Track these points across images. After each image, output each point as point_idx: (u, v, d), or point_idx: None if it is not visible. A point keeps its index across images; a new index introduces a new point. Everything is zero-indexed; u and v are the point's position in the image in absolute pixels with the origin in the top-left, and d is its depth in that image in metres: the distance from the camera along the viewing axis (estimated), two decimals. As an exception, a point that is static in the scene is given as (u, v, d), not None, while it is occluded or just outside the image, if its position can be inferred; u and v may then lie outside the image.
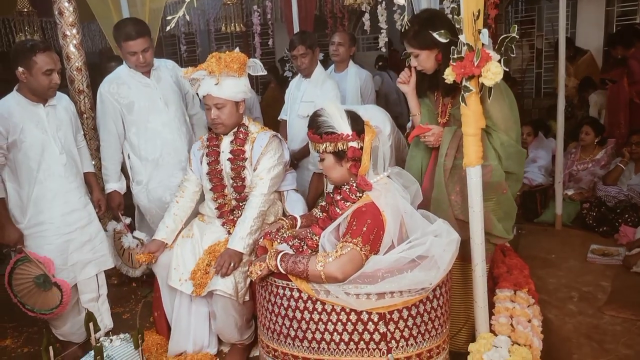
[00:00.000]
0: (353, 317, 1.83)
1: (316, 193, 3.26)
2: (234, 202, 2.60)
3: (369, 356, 1.85)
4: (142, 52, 2.81)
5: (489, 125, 2.08)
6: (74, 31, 3.14)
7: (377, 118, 2.57)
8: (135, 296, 3.35)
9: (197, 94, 2.53)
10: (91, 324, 2.15)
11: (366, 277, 1.81)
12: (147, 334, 2.68)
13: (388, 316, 1.83)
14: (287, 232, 2.24)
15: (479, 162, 1.94)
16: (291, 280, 1.91)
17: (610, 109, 5.05)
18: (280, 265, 1.92)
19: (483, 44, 1.81)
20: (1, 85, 2.79)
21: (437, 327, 1.92)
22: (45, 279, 2.39)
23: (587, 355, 2.45)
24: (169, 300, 2.62)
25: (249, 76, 2.53)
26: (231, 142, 2.55)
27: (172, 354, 2.60)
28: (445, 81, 1.93)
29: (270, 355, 2.03)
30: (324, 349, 1.88)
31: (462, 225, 2.13)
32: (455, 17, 1.83)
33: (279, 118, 3.81)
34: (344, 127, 1.97)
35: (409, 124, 2.52)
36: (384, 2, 3.42)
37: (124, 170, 3.11)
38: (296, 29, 4.40)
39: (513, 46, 1.82)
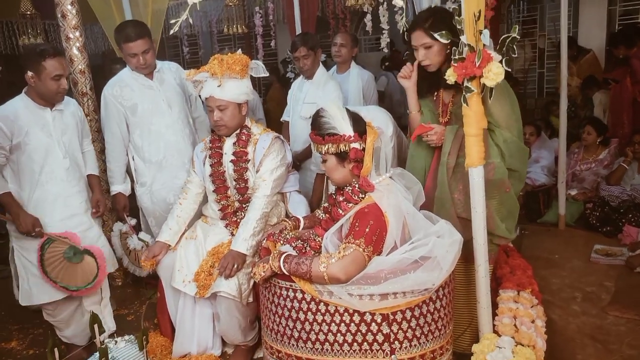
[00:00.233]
0: (356, 318, 1.83)
1: (320, 194, 3.26)
2: (237, 204, 2.60)
3: (372, 357, 1.85)
4: (142, 53, 2.82)
5: (491, 122, 2.09)
6: (77, 34, 3.16)
7: (379, 119, 2.57)
8: (140, 298, 3.36)
9: (199, 96, 2.54)
10: (96, 326, 2.16)
11: (369, 278, 1.81)
12: (151, 336, 2.68)
13: (391, 317, 1.83)
14: (290, 233, 2.25)
15: (481, 162, 1.94)
16: (294, 282, 1.91)
17: (613, 109, 5.04)
18: (284, 266, 1.92)
19: (484, 45, 1.81)
20: (6, 88, 2.81)
21: (440, 327, 1.92)
22: (74, 251, 2.41)
23: (591, 355, 2.45)
24: (173, 302, 2.62)
25: (252, 77, 2.53)
26: (234, 143, 2.56)
27: (177, 355, 2.60)
28: (447, 82, 1.94)
29: (274, 356, 2.03)
30: (327, 350, 1.88)
31: (465, 224, 2.13)
32: (456, 17, 1.84)
33: (281, 119, 3.82)
34: (346, 128, 1.97)
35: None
36: (385, 3, 3.43)
37: (129, 172, 3.13)
38: (298, 30, 4.40)
39: (514, 46, 1.82)
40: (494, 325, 2.06)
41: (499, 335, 1.96)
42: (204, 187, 2.68)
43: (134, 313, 3.20)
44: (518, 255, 2.75)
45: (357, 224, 1.90)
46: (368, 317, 1.83)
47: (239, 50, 2.52)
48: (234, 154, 2.54)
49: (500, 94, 2.04)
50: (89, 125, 3.16)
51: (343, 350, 1.86)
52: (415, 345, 1.87)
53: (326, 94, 3.32)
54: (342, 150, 1.98)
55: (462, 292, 2.32)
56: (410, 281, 1.79)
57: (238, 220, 2.56)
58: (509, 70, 1.85)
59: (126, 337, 2.21)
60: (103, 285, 2.76)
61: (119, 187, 3.05)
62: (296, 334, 1.93)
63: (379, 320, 1.83)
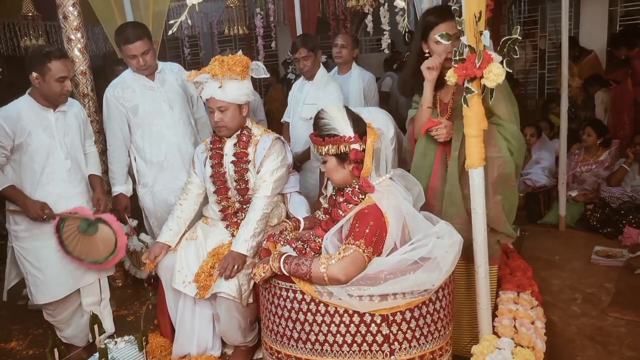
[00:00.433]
0: (356, 318, 1.84)
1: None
2: (237, 205, 2.61)
3: (372, 358, 1.85)
4: (142, 55, 2.82)
5: (498, 117, 2.12)
6: (79, 35, 3.17)
7: (380, 120, 2.57)
8: (140, 299, 3.36)
9: (200, 97, 2.54)
10: (96, 326, 2.16)
11: (369, 279, 1.81)
12: (151, 336, 2.68)
13: (391, 318, 1.83)
14: (290, 234, 2.25)
15: (481, 163, 1.94)
16: (294, 282, 1.92)
17: (614, 110, 5.04)
18: (284, 267, 1.92)
19: (485, 46, 1.81)
20: (7, 89, 2.82)
21: (440, 328, 1.92)
22: (88, 223, 2.42)
23: (591, 357, 2.45)
24: (173, 303, 2.63)
25: (252, 79, 2.54)
26: (234, 144, 2.56)
27: (176, 356, 2.60)
28: (447, 82, 1.94)
29: (274, 357, 2.03)
30: (327, 350, 1.88)
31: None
32: (457, 18, 1.84)
33: (281, 120, 3.82)
34: (346, 130, 1.97)
35: (411, 117, 2.40)
36: (386, 4, 3.44)
37: (130, 173, 3.13)
38: (299, 32, 4.41)
39: (515, 47, 1.83)
40: (493, 327, 2.06)
41: (499, 337, 1.96)
42: (204, 188, 2.68)
43: (134, 314, 3.20)
44: (518, 256, 2.75)
45: (357, 224, 1.90)
46: (368, 318, 1.83)
47: (240, 52, 2.52)
48: (234, 155, 2.55)
49: (500, 91, 2.06)
50: (90, 126, 3.17)
51: (343, 351, 1.86)
52: (414, 346, 1.87)
53: (327, 95, 3.32)
54: (342, 151, 1.98)
55: (464, 294, 2.31)
56: (410, 282, 1.79)
57: (238, 221, 2.56)
58: (510, 71, 1.85)
59: (126, 337, 2.22)
60: (103, 286, 2.76)
61: (120, 187, 3.05)
62: (296, 335, 1.93)
63: (378, 321, 1.83)
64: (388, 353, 1.85)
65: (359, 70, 3.85)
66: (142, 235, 3.07)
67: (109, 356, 2.06)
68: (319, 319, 1.88)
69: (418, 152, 2.34)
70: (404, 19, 2.48)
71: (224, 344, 2.66)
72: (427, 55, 2.21)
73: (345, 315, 1.84)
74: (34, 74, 2.41)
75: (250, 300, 2.45)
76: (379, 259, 1.87)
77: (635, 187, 4.10)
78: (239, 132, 2.56)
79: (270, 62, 7.87)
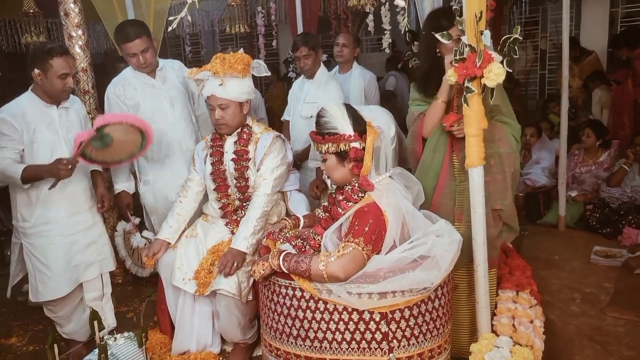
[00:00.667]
0: (355, 316, 1.84)
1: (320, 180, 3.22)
2: (237, 202, 2.61)
3: (370, 355, 1.86)
4: (142, 52, 2.82)
5: (501, 115, 2.16)
6: (80, 32, 3.17)
7: (381, 119, 2.57)
8: (139, 295, 3.37)
9: (201, 94, 2.55)
10: (95, 323, 2.17)
11: (368, 277, 1.82)
12: (151, 333, 2.69)
13: (390, 316, 1.84)
14: (290, 232, 2.26)
15: (481, 162, 1.95)
16: (294, 280, 1.92)
17: (614, 110, 5.05)
18: (283, 264, 1.93)
19: (485, 45, 1.82)
20: (7, 86, 2.82)
21: (438, 326, 1.93)
22: (97, 139, 2.33)
23: (590, 356, 2.45)
24: (173, 300, 2.63)
25: (253, 77, 2.54)
26: (235, 142, 2.57)
27: (176, 352, 2.61)
28: (448, 82, 1.95)
29: (273, 354, 2.04)
30: (326, 348, 1.89)
31: (495, 216, 2.20)
32: (458, 18, 1.84)
33: (282, 119, 3.82)
34: (346, 128, 1.98)
35: (420, 113, 2.35)
36: (387, 4, 3.43)
37: (132, 170, 3.14)
38: (300, 30, 4.41)
39: (516, 47, 1.83)
40: (492, 325, 2.06)
41: (497, 335, 1.97)
42: (204, 185, 2.69)
43: (134, 310, 3.21)
44: (517, 255, 2.76)
45: (356, 222, 1.90)
46: (367, 316, 1.84)
47: (241, 50, 2.53)
48: (235, 152, 2.55)
49: (501, 90, 2.08)
50: (90, 123, 3.17)
51: (342, 349, 1.87)
52: (413, 344, 1.87)
53: (327, 93, 3.33)
54: (342, 149, 1.99)
55: (467, 294, 2.31)
56: (408, 280, 1.80)
57: (238, 218, 2.57)
58: (510, 71, 1.85)
59: (126, 334, 2.22)
60: (105, 281, 2.78)
61: (122, 185, 3.06)
62: (295, 332, 1.93)
63: (377, 319, 1.84)
64: (387, 351, 1.85)
65: (360, 69, 3.85)
66: (145, 232, 3.08)
67: (109, 352, 2.07)
68: (318, 316, 1.88)
69: (428, 149, 2.29)
70: (404, 19, 2.48)
71: (223, 340, 2.67)
72: (438, 55, 2.22)
73: (345, 312, 1.85)
74: (36, 71, 2.42)
75: (250, 297, 2.45)
76: (378, 257, 1.88)
77: (635, 187, 4.11)
78: (239, 129, 2.57)
79: (272, 60, 7.87)
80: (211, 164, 2.61)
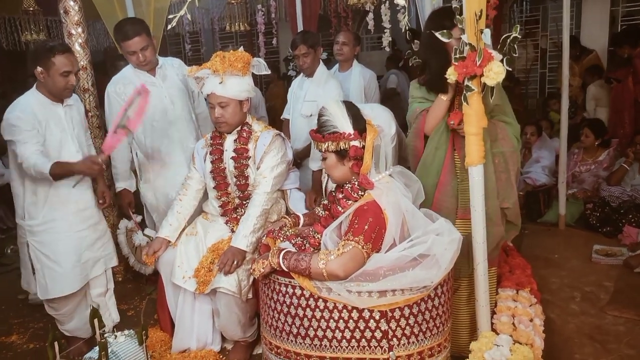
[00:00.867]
0: (355, 314, 1.84)
1: (317, 186, 3.22)
2: (237, 201, 2.61)
3: (370, 353, 1.86)
4: (141, 50, 2.83)
5: (505, 115, 2.18)
6: (79, 30, 3.17)
7: (382, 118, 2.56)
8: (140, 293, 3.38)
9: (201, 92, 2.55)
10: (96, 321, 2.17)
11: (368, 275, 1.82)
12: (151, 331, 2.70)
13: (389, 314, 1.84)
14: (290, 230, 2.26)
15: (481, 161, 1.95)
16: (293, 278, 1.92)
17: (614, 109, 5.04)
18: (283, 262, 1.93)
19: (485, 44, 1.82)
20: (7, 82, 2.83)
21: (438, 325, 1.93)
22: (122, 123, 2.40)
23: (589, 355, 2.45)
24: (173, 298, 2.64)
25: (254, 75, 2.54)
26: (235, 140, 2.57)
27: (176, 350, 2.62)
28: (448, 81, 1.95)
29: (273, 352, 2.04)
30: (325, 346, 1.89)
31: (502, 214, 2.22)
32: (458, 17, 1.84)
33: (281, 117, 3.82)
34: (346, 126, 1.98)
35: (422, 110, 2.34)
36: (387, 2, 3.42)
37: (132, 168, 3.14)
38: (300, 28, 4.41)
39: (515, 46, 1.83)
40: (492, 324, 2.07)
41: (497, 334, 1.97)
42: (204, 183, 2.69)
43: (134, 308, 3.21)
44: (517, 254, 2.76)
45: (356, 221, 1.90)
46: (366, 314, 1.84)
47: (241, 48, 2.52)
48: (234, 150, 2.55)
49: (501, 90, 2.08)
50: (90, 121, 3.21)
51: (341, 347, 1.87)
52: (413, 342, 1.87)
53: (327, 92, 3.32)
54: (341, 148, 1.98)
55: (465, 293, 2.32)
56: (408, 278, 1.80)
57: (238, 217, 2.57)
58: (510, 70, 1.85)
59: (126, 331, 2.22)
60: (109, 276, 2.82)
61: (124, 183, 3.07)
62: (295, 330, 1.94)
63: (377, 317, 1.84)
64: (387, 349, 1.85)
65: (360, 68, 3.84)
66: (147, 230, 3.09)
67: (109, 350, 2.07)
68: (318, 314, 1.88)
69: (430, 146, 2.29)
70: (404, 17, 2.48)
71: (223, 338, 2.67)
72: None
73: (344, 311, 1.85)
74: (39, 69, 2.43)
75: (250, 295, 2.46)
76: (378, 255, 1.88)
77: (635, 186, 4.11)
78: (239, 128, 2.57)
79: (272, 58, 7.87)
80: (211, 162, 2.61)
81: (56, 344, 1.96)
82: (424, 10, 2.89)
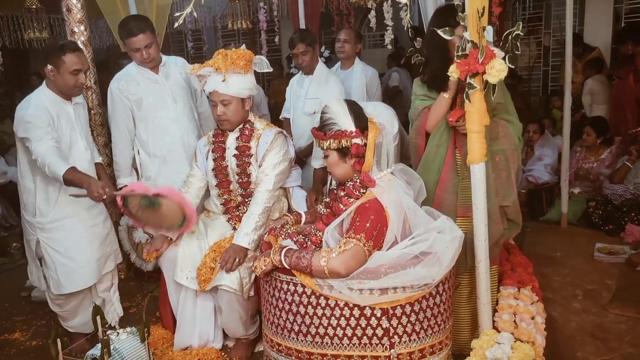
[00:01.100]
0: (356, 312, 1.85)
1: (319, 183, 3.21)
2: (239, 198, 2.62)
3: (372, 351, 1.86)
4: (145, 47, 2.83)
5: (507, 113, 2.19)
6: (82, 28, 3.18)
7: (384, 116, 2.57)
8: (142, 291, 3.39)
9: (203, 90, 2.55)
10: (98, 318, 2.18)
11: (369, 273, 1.82)
12: (153, 328, 2.70)
13: (391, 311, 1.84)
14: (292, 228, 2.26)
15: (482, 159, 1.95)
16: (295, 276, 1.93)
17: (616, 106, 5.02)
18: (285, 260, 1.93)
19: (487, 41, 1.81)
20: (10, 79, 2.85)
21: (439, 323, 1.93)
22: (148, 200, 2.28)
23: (591, 353, 2.45)
24: (175, 295, 2.64)
25: (256, 73, 2.54)
26: (237, 138, 2.57)
27: (178, 348, 2.62)
28: (450, 78, 1.94)
29: (275, 349, 2.05)
30: (327, 343, 1.89)
31: (502, 213, 2.22)
32: (460, 14, 1.84)
33: (280, 117, 3.81)
34: (347, 124, 1.98)
35: (424, 108, 2.33)
36: (389, 0, 3.42)
37: (134, 166, 3.15)
38: (302, 26, 4.40)
39: (518, 43, 1.82)
40: (493, 321, 2.07)
41: (499, 331, 1.97)
42: (206, 181, 2.69)
43: (136, 306, 3.22)
44: (519, 252, 2.76)
45: (357, 218, 1.90)
46: (368, 312, 1.84)
47: (243, 46, 2.52)
48: (236, 148, 2.56)
49: (502, 88, 2.07)
50: (93, 118, 3.22)
51: (343, 344, 1.87)
52: (414, 339, 1.88)
53: (328, 89, 3.32)
54: (343, 145, 1.99)
55: (466, 291, 2.32)
56: (410, 276, 1.80)
57: (240, 214, 2.57)
58: (513, 67, 1.84)
59: (128, 329, 2.24)
60: (113, 271, 2.83)
61: (125, 180, 3.08)
62: (296, 328, 1.94)
63: (378, 315, 1.84)
64: (388, 346, 1.86)
65: (361, 65, 3.84)
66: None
67: (111, 347, 2.08)
68: (319, 312, 1.89)
69: (432, 143, 2.30)
70: (407, 15, 2.47)
71: (225, 336, 2.68)
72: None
73: (346, 308, 1.85)
74: (49, 67, 2.45)
75: (252, 293, 2.46)
76: (380, 253, 1.88)
77: (637, 184, 4.10)
78: (241, 125, 2.57)
79: (274, 56, 7.85)
80: (213, 159, 2.61)
81: (59, 341, 1.98)
82: (426, 7, 2.88)
